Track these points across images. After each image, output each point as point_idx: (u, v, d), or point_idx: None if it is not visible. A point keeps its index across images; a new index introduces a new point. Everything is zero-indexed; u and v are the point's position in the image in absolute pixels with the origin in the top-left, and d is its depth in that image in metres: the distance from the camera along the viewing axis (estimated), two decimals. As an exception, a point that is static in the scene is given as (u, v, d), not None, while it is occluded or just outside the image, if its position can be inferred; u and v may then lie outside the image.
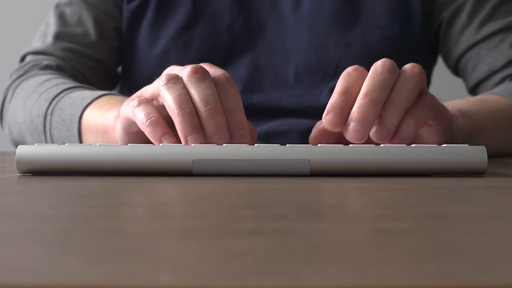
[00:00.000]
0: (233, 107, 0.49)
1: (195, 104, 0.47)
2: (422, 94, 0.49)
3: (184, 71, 0.49)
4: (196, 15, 0.82)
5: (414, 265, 0.18)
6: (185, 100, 0.47)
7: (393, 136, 0.47)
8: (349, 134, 0.45)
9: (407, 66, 0.48)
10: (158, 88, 0.49)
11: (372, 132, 0.46)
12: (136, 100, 0.50)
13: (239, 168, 0.42)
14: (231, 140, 0.48)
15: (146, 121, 0.48)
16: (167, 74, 0.49)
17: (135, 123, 0.50)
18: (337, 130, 0.46)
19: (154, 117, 0.48)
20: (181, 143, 0.47)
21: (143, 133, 0.51)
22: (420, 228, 0.24)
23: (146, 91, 0.52)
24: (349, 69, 0.48)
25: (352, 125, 0.45)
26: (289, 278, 0.17)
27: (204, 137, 0.46)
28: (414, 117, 0.47)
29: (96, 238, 0.22)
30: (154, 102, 0.50)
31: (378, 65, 0.47)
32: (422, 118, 0.47)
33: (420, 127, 0.47)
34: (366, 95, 0.46)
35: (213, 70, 0.51)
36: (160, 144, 0.44)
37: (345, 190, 0.36)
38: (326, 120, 0.46)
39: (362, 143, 0.46)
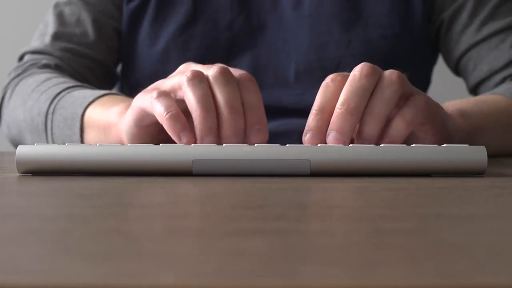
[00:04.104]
0: (254, 103, 0.49)
1: (217, 104, 0.48)
2: (412, 95, 0.49)
3: (210, 71, 0.49)
4: (196, 14, 0.82)
5: (414, 265, 0.18)
6: (209, 101, 0.48)
7: (384, 138, 0.47)
8: (330, 143, 0.46)
9: (386, 73, 0.48)
10: (182, 83, 0.49)
11: (355, 143, 0.47)
12: (155, 92, 0.49)
13: (239, 168, 0.42)
14: (249, 134, 0.49)
15: (166, 114, 0.48)
16: (192, 70, 0.49)
17: (148, 116, 0.50)
18: None
19: (174, 111, 0.48)
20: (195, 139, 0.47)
21: (154, 127, 0.51)
22: (420, 228, 0.24)
23: (165, 84, 0.52)
24: (328, 80, 0.49)
25: (332, 134, 0.46)
26: (289, 278, 0.17)
27: (219, 139, 0.47)
28: (405, 118, 0.47)
29: (96, 238, 0.22)
30: (172, 95, 0.50)
31: (356, 71, 0.47)
32: (414, 119, 0.47)
33: (411, 128, 0.48)
34: (343, 104, 0.46)
35: (234, 70, 0.51)
36: (161, 144, 0.44)
37: (345, 190, 0.36)
38: (305, 141, 0.47)
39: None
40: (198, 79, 0.49)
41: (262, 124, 0.49)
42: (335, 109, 0.46)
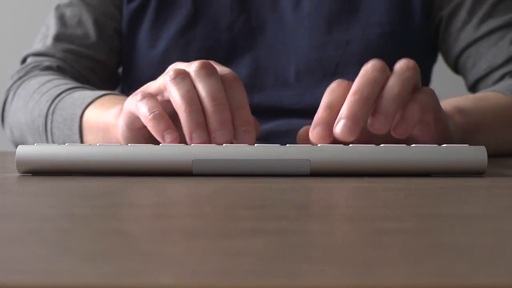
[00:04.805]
0: (239, 103, 0.49)
1: (201, 99, 0.48)
2: (420, 87, 0.49)
3: (192, 66, 0.49)
4: (196, 16, 0.83)
5: (414, 265, 0.18)
6: (193, 97, 0.48)
7: (400, 120, 0.47)
8: (339, 132, 0.45)
9: (403, 60, 0.49)
10: (165, 83, 0.49)
11: (369, 123, 0.47)
12: (139, 95, 0.50)
13: (239, 168, 0.42)
14: (236, 135, 0.48)
15: (149, 115, 0.48)
16: (175, 69, 0.49)
17: (138, 118, 0.50)
18: (324, 143, 0.47)
19: (157, 111, 0.48)
20: (183, 138, 0.47)
21: (146, 129, 0.51)
22: (420, 228, 0.24)
23: (151, 86, 0.52)
24: (333, 85, 0.49)
25: (342, 122, 0.45)
26: (289, 278, 0.17)
27: (208, 135, 0.47)
28: (418, 101, 0.48)
29: (96, 238, 0.22)
30: (159, 97, 0.50)
31: (369, 65, 0.48)
32: (427, 104, 0.48)
33: (424, 113, 0.48)
34: (356, 92, 0.46)
35: (219, 68, 0.51)
36: (161, 144, 0.44)
37: (345, 190, 0.36)
38: (313, 134, 0.47)
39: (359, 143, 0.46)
40: (181, 77, 0.49)
41: (249, 125, 0.49)
42: (347, 97, 0.46)
